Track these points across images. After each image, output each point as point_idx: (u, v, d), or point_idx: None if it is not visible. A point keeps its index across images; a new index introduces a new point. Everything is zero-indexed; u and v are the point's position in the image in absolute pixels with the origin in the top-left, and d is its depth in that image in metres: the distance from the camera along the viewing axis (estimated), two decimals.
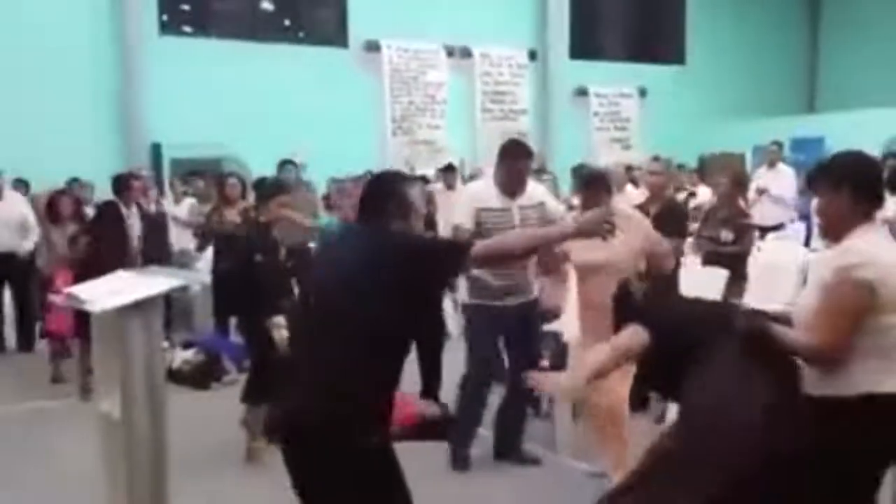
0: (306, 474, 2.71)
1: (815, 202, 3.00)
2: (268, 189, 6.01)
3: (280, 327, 5.37)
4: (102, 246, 6.78)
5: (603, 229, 3.05)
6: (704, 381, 2.73)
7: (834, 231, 2.84)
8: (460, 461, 5.26)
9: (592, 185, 4.71)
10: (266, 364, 5.46)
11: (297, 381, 2.73)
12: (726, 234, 6.74)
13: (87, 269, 5.67)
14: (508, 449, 5.31)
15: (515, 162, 5.00)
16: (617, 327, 3.23)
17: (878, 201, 2.86)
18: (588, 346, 4.45)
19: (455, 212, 5.17)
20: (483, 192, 5.14)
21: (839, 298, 2.66)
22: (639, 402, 5.32)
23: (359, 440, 2.65)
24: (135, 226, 8.17)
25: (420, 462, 5.39)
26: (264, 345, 5.37)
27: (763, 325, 2.79)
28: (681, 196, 8.46)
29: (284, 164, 9.20)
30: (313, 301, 2.87)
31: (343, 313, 2.71)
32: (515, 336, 5.18)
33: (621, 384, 4.35)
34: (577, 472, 5.11)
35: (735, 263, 6.60)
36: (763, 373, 2.70)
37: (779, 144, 10.86)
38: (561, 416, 5.54)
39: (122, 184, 8.33)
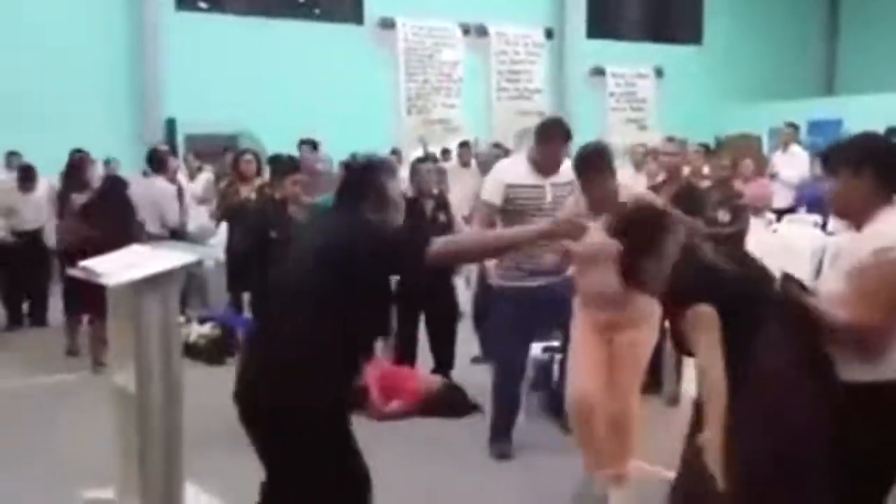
0: (264, 447, 2.78)
1: (830, 184, 2.91)
2: (283, 166, 6.01)
3: None
4: (104, 222, 6.77)
5: (578, 229, 2.98)
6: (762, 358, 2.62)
7: (854, 214, 2.77)
8: (497, 450, 5.11)
9: (585, 166, 4.34)
10: None
11: (254, 356, 2.80)
12: (723, 215, 6.73)
13: (90, 245, 5.64)
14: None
15: (553, 143, 4.91)
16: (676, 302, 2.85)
17: (894, 188, 2.79)
18: (585, 346, 4.30)
19: (484, 188, 5.11)
20: (514, 168, 5.07)
21: (882, 277, 2.59)
22: (651, 383, 5.31)
23: (310, 417, 2.73)
24: (170, 203, 8.18)
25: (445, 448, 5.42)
26: None
27: (806, 300, 2.69)
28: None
29: (303, 143, 9.20)
30: (277, 279, 2.92)
31: (301, 293, 2.80)
32: (547, 318, 5.10)
33: (633, 391, 4.29)
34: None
35: (734, 243, 6.57)
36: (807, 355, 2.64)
37: (793, 126, 10.75)
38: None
39: (157, 160, 8.37)
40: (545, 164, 4.93)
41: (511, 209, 4.87)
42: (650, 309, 3.96)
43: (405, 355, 6.39)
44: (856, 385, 2.66)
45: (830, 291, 2.73)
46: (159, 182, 8.47)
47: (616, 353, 4.26)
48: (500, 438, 5.14)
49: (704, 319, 2.66)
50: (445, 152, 12.38)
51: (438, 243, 2.84)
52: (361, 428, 5.54)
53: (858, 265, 2.65)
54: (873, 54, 18.27)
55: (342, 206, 2.98)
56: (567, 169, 4.88)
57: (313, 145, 9.30)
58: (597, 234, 3.84)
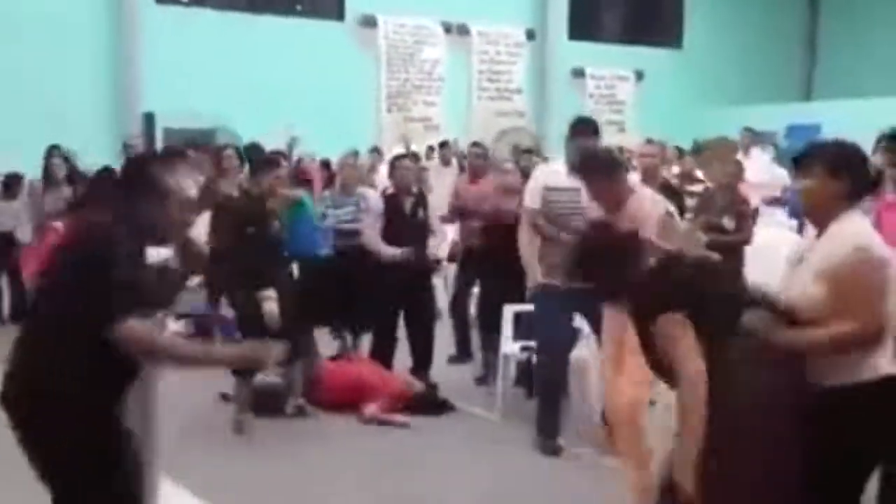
0: (23, 447, 2.63)
1: (799, 184, 2.95)
2: (263, 162, 5.97)
3: (270, 300, 5.36)
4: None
5: (265, 359, 2.82)
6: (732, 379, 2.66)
7: (821, 216, 2.83)
8: (548, 448, 5.06)
9: (587, 171, 4.35)
10: (255, 337, 5.46)
11: (10, 360, 2.65)
12: (729, 222, 6.66)
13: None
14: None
15: (582, 139, 4.90)
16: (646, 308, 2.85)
17: (865, 196, 2.89)
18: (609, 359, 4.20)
19: (525, 193, 5.14)
20: (552, 172, 5.07)
21: (866, 278, 2.65)
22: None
23: (56, 427, 2.57)
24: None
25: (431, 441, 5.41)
26: (254, 317, 5.36)
27: (781, 336, 2.72)
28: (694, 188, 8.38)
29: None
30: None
31: (43, 303, 2.70)
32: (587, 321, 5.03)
33: (633, 385, 4.07)
34: (567, 454, 5.14)
35: (736, 251, 6.54)
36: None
37: (751, 131, 10.95)
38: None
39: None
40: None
41: (551, 213, 4.86)
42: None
43: (383, 354, 6.38)
44: (833, 389, 2.69)
45: (807, 294, 2.74)
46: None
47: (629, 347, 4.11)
48: (550, 434, 5.08)
49: (677, 324, 2.67)
50: (432, 150, 12.39)
51: (139, 328, 2.53)
52: (339, 432, 5.58)
53: (828, 270, 2.68)
54: (852, 60, 18.45)
55: (122, 205, 2.75)
56: (634, 214, 4.59)
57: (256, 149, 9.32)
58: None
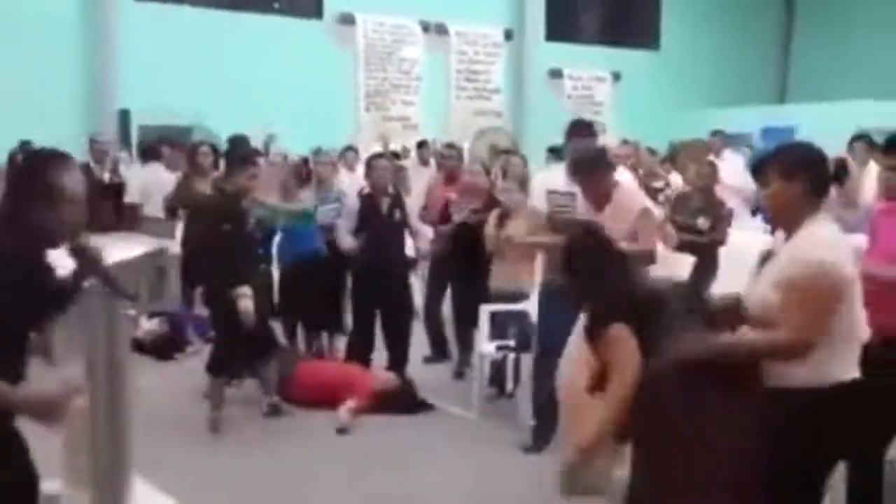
0: None
1: (761, 193, 3.03)
2: (238, 160, 5.95)
3: (244, 297, 5.35)
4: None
5: (55, 413, 2.65)
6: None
7: (786, 221, 2.86)
8: (537, 443, 5.09)
9: (578, 168, 4.56)
10: (230, 335, 5.45)
11: None
12: (704, 222, 6.71)
13: None
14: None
15: (578, 142, 4.95)
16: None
17: (827, 193, 2.91)
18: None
19: (531, 197, 5.26)
20: (554, 174, 5.11)
21: (815, 291, 2.67)
22: None
23: None
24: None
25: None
26: (229, 315, 5.34)
27: (718, 348, 2.82)
28: (657, 184, 8.46)
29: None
30: None
31: None
32: None
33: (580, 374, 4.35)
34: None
35: (710, 252, 6.59)
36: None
37: (720, 133, 11.05)
38: (524, 397, 5.56)
39: (150, 150, 8.75)
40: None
41: (552, 215, 4.90)
42: None
43: (360, 352, 6.38)
44: (787, 391, 2.73)
45: (760, 298, 2.79)
46: (160, 171, 8.68)
47: None
48: (545, 439, 5.05)
49: (623, 335, 2.85)
50: (407, 150, 12.37)
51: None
52: (317, 430, 5.57)
53: (784, 277, 2.72)
54: (827, 62, 18.61)
55: (10, 205, 2.61)
56: (622, 208, 4.75)
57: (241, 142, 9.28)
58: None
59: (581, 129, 5.08)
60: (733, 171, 10.14)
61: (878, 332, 2.99)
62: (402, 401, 5.90)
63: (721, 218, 6.89)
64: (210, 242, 5.55)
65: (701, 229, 6.71)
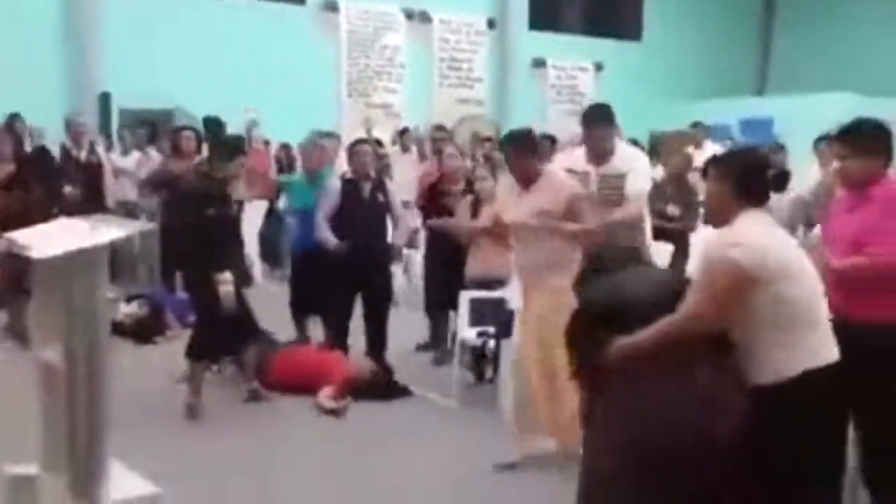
0: None
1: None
2: (229, 147, 5.89)
3: (226, 283, 5.34)
4: (29, 197, 6.67)
5: None
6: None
7: (715, 217, 3.10)
8: None
9: (510, 146, 4.82)
10: (211, 319, 5.45)
11: None
12: (673, 210, 6.80)
13: (15, 219, 5.51)
14: None
15: (593, 127, 5.00)
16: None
17: (756, 196, 3.04)
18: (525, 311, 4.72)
19: None
20: (574, 156, 5.20)
21: (711, 274, 2.88)
22: None
23: None
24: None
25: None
26: (210, 300, 5.34)
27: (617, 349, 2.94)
28: None
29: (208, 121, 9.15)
30: None
31: None
32: None
33: (560, 352, 4.47)
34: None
35: (680, 239, 6.68)
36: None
37: (699, 125, 11.14)
38: (504, 382, 5.60)
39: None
40: (590, 149, 5.03)
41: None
42: (553, 285, 4.42)
43: (338, 337, 6.40)
44: (762, 387, 2.81)
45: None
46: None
47: (541, 317, 4.52)
48: None
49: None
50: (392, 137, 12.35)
51: None
52: (297, 416, 5.58)
53: (701, 263, 2.96)
54: (805, 55, 18.72)
55: None
56: (622, 161, 4.97)
57: (218, 124, 9.22)
58: (524, 208, 4.61)
59: (593, 115, 5.09)
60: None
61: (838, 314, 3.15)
62: (376, 387, 5.91)
63: (691, 205, 6.98)
64: (194, 227, 5.54)
65: (671, 216, 6.80)
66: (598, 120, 5.00)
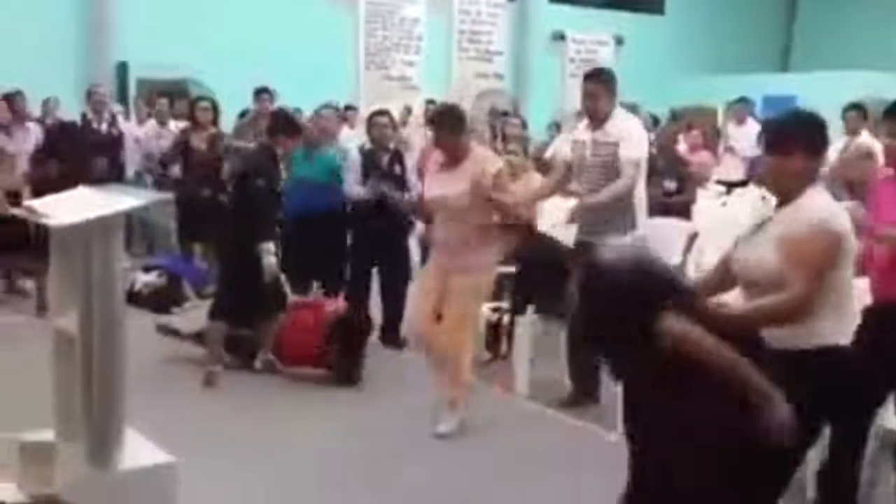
0: None
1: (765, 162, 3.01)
2: (290, 125, 5.83)
3: (270, 253, 5.39)
4: (62, 166, 6.73)
5: None
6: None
7: (785, 192, 2.87)
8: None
9: (436, 124, 4.84)
10: (244, 288, 5.45)
11: None
12: (669, 184, 6.72)
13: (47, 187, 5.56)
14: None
15: (584, 83, 5.01)
16: None
17: (823, 161, 2.98)
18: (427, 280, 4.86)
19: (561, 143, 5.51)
20: (579, 126, 5.24)
21: (815, 249, 2.70)
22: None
23: None
24: None
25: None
26: (251, 269, 5.35)
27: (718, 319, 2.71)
28: None
29: (259, 92, 9.03)
30: None
31: None
32: None
33: (460, 329, 4.71)
34: (534, 411, 5.22)
35: (681, 214, 6.59)
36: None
37: (745, 100, 10.86)
38: (519, 359, 5.59)
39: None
40: (584, 109, 5.06)
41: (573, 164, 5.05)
42: (484, 266, 4.68)
43: (357, 310, 6.39)
44: (782, 352, 2.73)
45: (759, 261, 2.79)
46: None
47: (448, 295, 4.69)
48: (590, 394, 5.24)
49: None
50: (409, 112, 12.27)
51: None
52: (310, 389, 5.60)
53: (784, 240, 2.73)
54: (829, 32, 18.46)
55: None
56: (615, 128, 4.92)
57: (270, 93, 9.14)
58: (450, 187, 4.60)
59: (587, 76, 5.11)
60: (751, 138, 10.02)
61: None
62: (353, 327, 5.74)
63: (687, 177, 6.90)
64: (241, 196, 5.58)
65: (669, 191, 6.71)
66: (589, 76, 5.06)
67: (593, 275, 2.70)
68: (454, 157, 4.71)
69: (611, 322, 2.62)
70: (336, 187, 6.50)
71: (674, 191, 6.74)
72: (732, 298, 2.97)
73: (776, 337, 2.75)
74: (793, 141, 2.84)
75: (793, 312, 2.70)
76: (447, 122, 4.74)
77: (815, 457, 3.71)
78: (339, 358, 5.64)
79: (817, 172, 2.89)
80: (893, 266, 3.37)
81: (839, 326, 2.80)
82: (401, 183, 6.42)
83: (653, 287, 2.63)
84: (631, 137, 4.88)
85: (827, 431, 3.45)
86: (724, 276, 2.98)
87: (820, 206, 2.80)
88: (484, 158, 4.78)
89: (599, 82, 4.97)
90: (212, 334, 5.61)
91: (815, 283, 2.68)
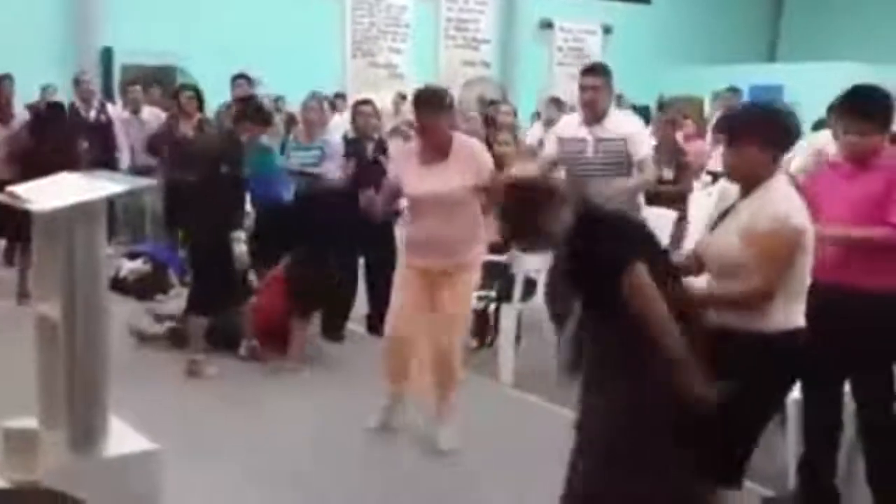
0: None
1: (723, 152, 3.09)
2: (258, 114, 5.78)
3: (240, 241, 5.36)
4: (46, 148, 6.68)
5: None
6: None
7: (745, 182, 2.95)
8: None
9: (419, 105, 4.33)
10: (214, 277, 5.42)
11: None
12: (667, 173, 6.71)
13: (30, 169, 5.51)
14: None
15: (582, 76, 4.93)
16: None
17: (783, 152, 3.02)
18: (406, 289, 4.47)
19: (546, 143, 5.34)
20: (568, 120, 5.14)
21: (777, 246, 2.81)
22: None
23: None
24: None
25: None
26: (221, 256, 5.33)
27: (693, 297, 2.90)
28: None
29: (237, 78, 8.95)
30: None
31: None
32: None
33: (455, 330, 4.43)
34: (520, 401, 5.22)
35: (677, 203, 6.59)
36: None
37: (734, 90, 10.88)
38: (505, 347, 5.59)
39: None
40: (581, 106, 4.95)
41: (562, 162, 4.92)
42: (477, 262, 4.41)
43: (346, 300, 6.40)
44: (737, 332, 2.84)
45: (724, 246, 2.92)
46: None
47: (438, 296, 4.37)
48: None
49: (642, 275, 2.67)
50: (403, 98, 12.24)
51: None
52: (291, 379, 5.58)
53: (747, 229, 2.84)
54: (816, 23, 18.52)
55: None
56: (619, 123, 4.89)
57: (248, 80, 9.07)
58: (432, 179, 4.23)
59: (584, 71, 5.05)
60: None
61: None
62: (316, 286, 5.74)
63: (683, 166, 6.90)
64: (207, 183, 5.52)
65: (665, 179, 6.71)
66: (589, 70, 5.00)
67: (582, 209, 2.82)
68: (440, 147, 4.29)
69: (587, 256, 2.72)
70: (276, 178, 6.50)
71: (670, 179, 6.72)
72: (702, 282, 3.09)
73: (742, 320, 2.86)
74: (747, 133, 2.92)
75: (754, 302, 2.85)
76: (429, 101, 4.30)
77: (795, 447, 3.76)
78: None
79: (776, 164, 2.96)
80: (847, 251, 3.42)
81: (798, 310, 2.93)
82: (383, 173, 6.39)
83: (633, 232, 2.85)
84: (640, 134, 4.97)
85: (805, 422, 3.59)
86: (699, 262, 3.09)
87: (782, 198, 2.87)
88: (472, 153, 4.34)
89: (600, 77, 4.92)
90: (192, 328, 5.59)
91: (776, 278, 2.82)
